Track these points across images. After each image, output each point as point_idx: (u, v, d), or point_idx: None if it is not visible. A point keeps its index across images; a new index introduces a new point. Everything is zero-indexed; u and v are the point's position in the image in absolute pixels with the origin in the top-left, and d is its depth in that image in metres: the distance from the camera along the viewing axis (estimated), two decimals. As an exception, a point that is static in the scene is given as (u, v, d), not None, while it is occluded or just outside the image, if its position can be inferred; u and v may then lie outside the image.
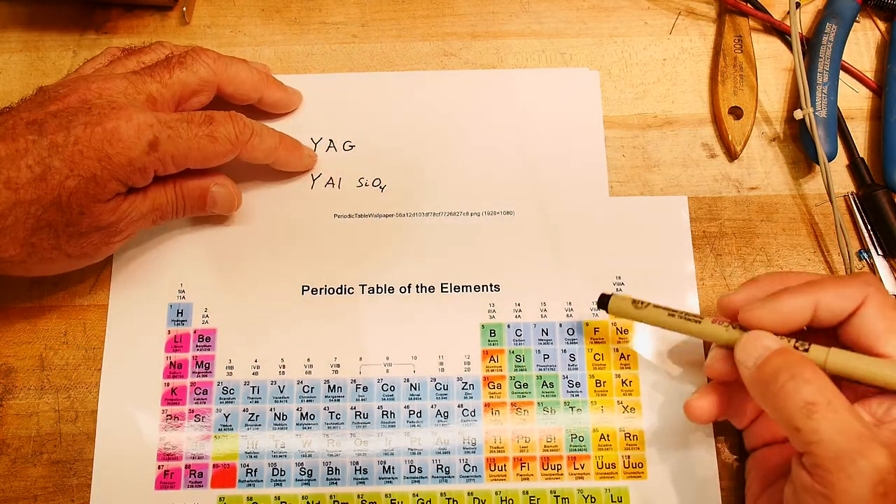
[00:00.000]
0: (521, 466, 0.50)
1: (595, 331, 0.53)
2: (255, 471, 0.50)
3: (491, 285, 0.54)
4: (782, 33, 0.60)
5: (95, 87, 0.47)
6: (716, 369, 0.46)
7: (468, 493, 0.50)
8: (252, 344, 0.52)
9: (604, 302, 0.50)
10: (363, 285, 0.54)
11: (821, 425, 0.39)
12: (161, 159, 0.47)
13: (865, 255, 0.54)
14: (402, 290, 0.54)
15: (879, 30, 0.60)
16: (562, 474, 0.50)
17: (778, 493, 0.44)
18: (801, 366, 0.41)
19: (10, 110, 0.47)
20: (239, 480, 0.50)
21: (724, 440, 0.50)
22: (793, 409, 0.40)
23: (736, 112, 0.57)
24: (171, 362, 0.52)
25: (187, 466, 0.50)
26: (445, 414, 0.51)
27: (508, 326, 0.53)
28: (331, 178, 0.56)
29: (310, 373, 0.52)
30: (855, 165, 0.56)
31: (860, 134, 0.58)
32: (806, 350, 0.43)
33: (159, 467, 0.50)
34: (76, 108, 0.45)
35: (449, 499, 0.50)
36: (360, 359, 0.52)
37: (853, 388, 0.44)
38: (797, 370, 0.41)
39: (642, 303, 0.49)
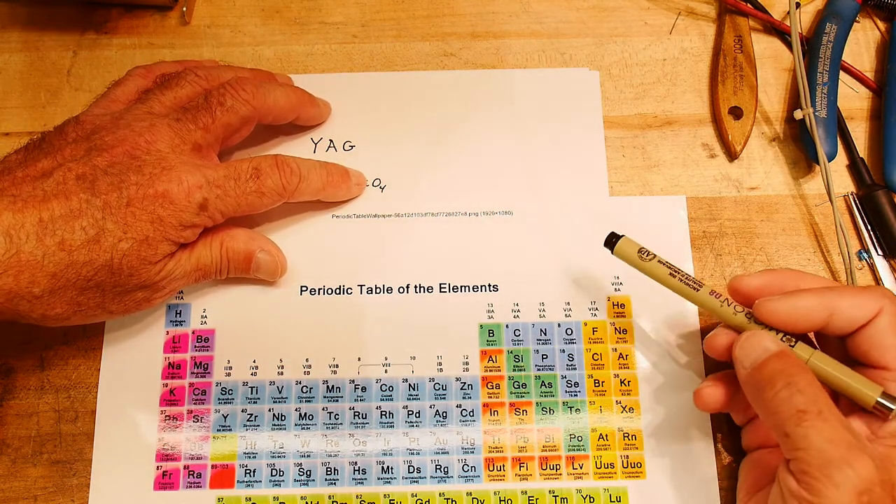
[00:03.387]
0: (520, 466, 0.50)
1: (594, 331, 0.53)
2: (254, 471, 0.50)
3: (489, 285, 0.54)
4: (782, 33, 0.60)
5: (143, 141, 0.47)
6: (717, 343, 0.46)
7: (467, 494, 0.50)
8: (250, 344, 0.52)
9: (611, 242, 0.49)
10: (362, 285, 0.54)
11: (810, 433, 0.39)
12: (211, 216, 0.48)
13: (865, 255, 0.54)
14: (401, 290, 0.54)
15: (879, 30, 0.60)
16: (560, 474, 0.50)
17: (767, 496, 0.44)
18: (798, 374, 0.41)
19: (53, 152, 0.46)
20: (237, 481, 0.50)
21: (723, 440, 0.50)
22: (784, 415, 0.41)
23: (736, 112, 0.57)
24: (169, 363, 0.52)
25: (186, 467, 0.50)
26: (444, 414, 0.51)
27: (507, 326, 0.53)
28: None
29: (308, 373, 0.52)
30: (855, 165, 0.56)
31: (860, 134, 0.58)
32: (792, 345, 0.44)
33: (158, 468, 0.50)
34: (127, 166, 0.46)
35: (448, 499, 0.50)
36: (359, 359, 0.52)
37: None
38: (793, 378, 0.41)
39: (648, 254, 0.48)
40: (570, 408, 0.51)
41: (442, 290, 0.54)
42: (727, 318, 0.46)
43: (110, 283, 0.46)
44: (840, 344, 0.46)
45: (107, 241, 0.44)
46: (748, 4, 0.59)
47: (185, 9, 0.60)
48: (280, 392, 0.52)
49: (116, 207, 0.45)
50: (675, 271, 0.47)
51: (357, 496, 0.50)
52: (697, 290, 0.47)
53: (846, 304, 0.44)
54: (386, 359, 0.52)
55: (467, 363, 0.52)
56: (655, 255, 0.48)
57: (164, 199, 0.45)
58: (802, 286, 0.46)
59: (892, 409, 0.41)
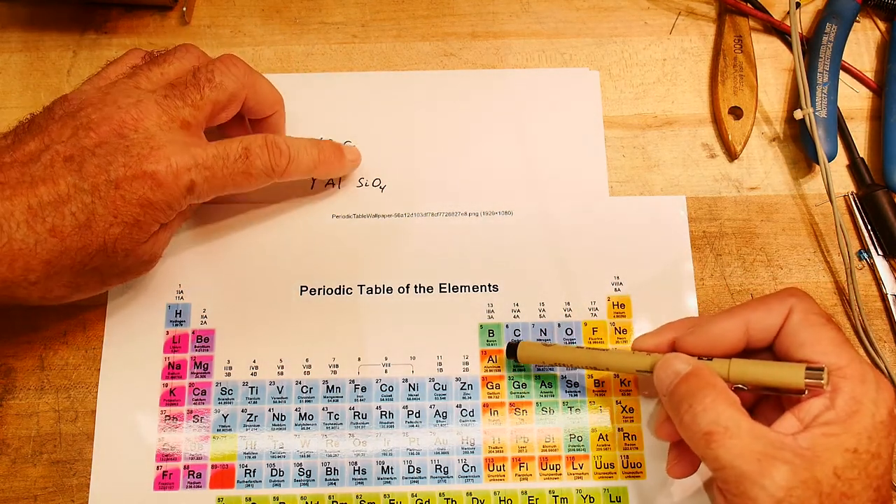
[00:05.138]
0: (520, 466, 0.50)
1: (594, 331, 0.53)
2: (254, 471, 0.50)
3: (489, 285, 0.54)
4: (782, 33, 0.60)
5: (130, 119, 0.45)
6: (664, 431, 0.47)
7: (467, 494, 0.50)
8: (250, 344, 0.53)
9: (512, 353, 0.50)
10: (362, 285, 0.54)
11: (719, 453, 0.39)
12: (198, 197, 0.47)
13: (865, 255, 0.54)
14: (401, 290, 0.54)
15: (879, 30, 0.60)
16: (560, 474, 0.50)
17: None
18: (702, 392, 0.41)
19: (40, 133, 0.45)
20: (237, 481, 0.50)
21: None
22: (694, 438, 0.41)
23: (736, 112, 0.57)
24: (169, 363, 0.52)
25: (186, 467, 0.50)
26: (444, 414, 0.51)
27: (507, 326, 0.53)
28: (331, 178, 0.56)
29: (308, 373, 0.52)
30: (855, 165, 0.56)
31: (860, 134, 0.58)
32: (709, 359, 0.44)
33: (158, 468, 0.50)
34: (115, 146, 0.44)
35: (448, 499, 0.50)
36: (359, 359, 0.52)
37: (789, 398, 0.44)
38: (695, 398, 0.41)
39: (547, 342, 0.50)
40: (570, 408, 0.51)
41: (442, 290, 0.54)
42: (640, 364, 0.46)
43: (107, 265, 0.46)
44: (771, 358, 0.45)
45: (98, 227, 0.44)
46: (748, 4, 0.59)
47: (185, 9, 0.60)
48: (280, 392, 0.52)
49: (105, 190, 0.44)
50: (580, 345, 0.50)
51: (357, 496, 0.50)
52: (606, 351, 0.48)
53: (757, 315, 0.44)
54: (386, 359, 0.52)
55: (467, 363, 0.52)
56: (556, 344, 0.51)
57: (153, 181, 0.44)
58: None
59: (822, 380, 0.41)
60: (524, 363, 0.51)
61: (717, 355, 0.44)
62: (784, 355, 0.44)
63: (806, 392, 0.41)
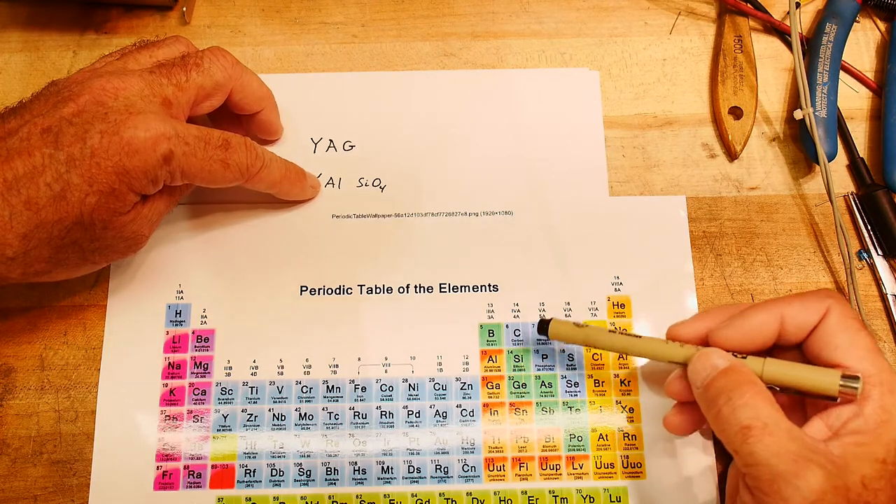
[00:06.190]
0: (520, 466, 0.50)
1: (594, 331, 0.53)
2: (254, 471, 0.50)
3: (489, 285, 0.54)
4: (782, 33, 0.60)
5: (111, 87, 0.45)
6: (673, 389, 0.47)
7: (467, 494, 0.50)
8: (251, 344, 0.52)
9: (543, 327, 0.49)
10: (362, 286, 0.54)
11: (756, 449, 0.39)
12: (171, 172, 0.45)
13: (865, 255, 0.54)
14: (401, 290, 0.53)
15: (879, 30, 0.60)
16: (560, 474, 0.50)
17: None
18: (742, 387, 0.41)
19: (23, 111, 0.45)
20: (237, 481, 0.50)
21: (723, 441, 0.50)
22: (730, 432, 0.41)
23: (736, 112, 0.57)
24: (169, 363, 0.52)
25: (186, 467, 0.50)
26: (444, 414, 0.51)
27: (507, 326, 0.53)
28: (331, 178, 0.56)
29: (308, 373, 0.52)
30: (855, 165, 0.56)
31: (860, 134, 0.58)
32: (744, 357, 0.44)
33: (158, 468, 0.50)
34: (93, 114, 0.44)
35: (448, 499, 0.50)
36: (359, 359, 0.52)
37: (815, 402, 0.44)
38: (736, 393, 0.41)
39: (581, 323, 0.49)
40: (570, 408, 0.51)
41: (442, 290, 0.54)
42: (674, 355, 0.46)
43: (87, 239, 0.45)
44: (798, 356, 0.46)
45: (73, 197, 0.43)
46: (748, 4, 0.59)
47: (185, 9, 0.60)
48: (280, 392, 0.52)
49: (80, 159, 0.43)
50: (614, 329, 0.49)
51: (357, 496, 0.50)
52: (640, 338, 0.47)
53: (793, 310, 0.44)
54: (386, 359, 0.52)
55: (467, 363, 0.52)
56: (589, 324, 0.49)
57: (130, 146, 0.43)
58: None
59: (857, 388, 0.41)
60: (554, 339, 0.50)
61: (750, 349, 0.44)
62: (815, 355, 0.44)
63: (838, 399, 0.41)
